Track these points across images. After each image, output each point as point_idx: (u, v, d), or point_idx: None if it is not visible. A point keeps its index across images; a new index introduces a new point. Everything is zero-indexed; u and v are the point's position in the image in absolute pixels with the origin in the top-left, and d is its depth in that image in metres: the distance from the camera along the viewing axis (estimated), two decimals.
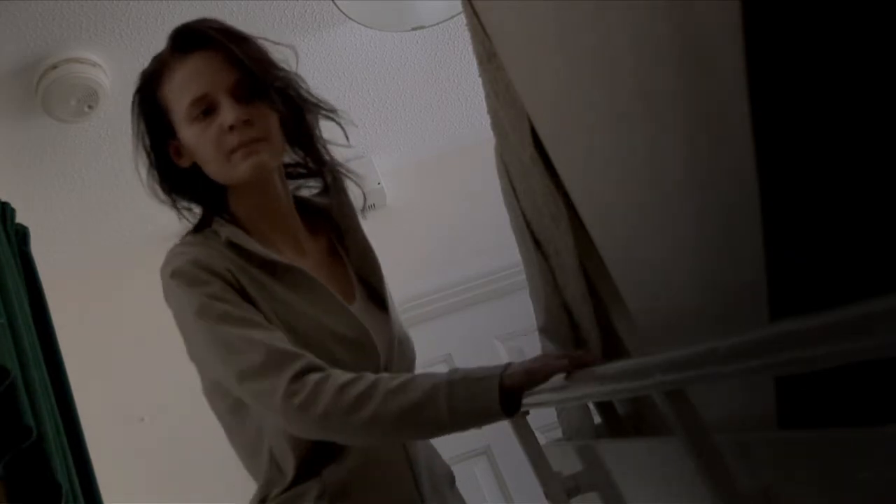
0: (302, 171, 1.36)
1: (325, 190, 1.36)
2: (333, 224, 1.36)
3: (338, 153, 1.38)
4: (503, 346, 3.15)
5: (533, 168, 1.21)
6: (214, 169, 1.23)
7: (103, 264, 3.13)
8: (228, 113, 1.18)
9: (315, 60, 2.60)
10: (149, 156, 1.28)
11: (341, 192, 1.35)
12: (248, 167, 1.20)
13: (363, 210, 1.38)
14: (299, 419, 1.07)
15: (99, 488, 2.06)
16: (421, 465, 1.26)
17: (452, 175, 3.41)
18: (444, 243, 3.31)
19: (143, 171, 1.30)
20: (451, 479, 1.39)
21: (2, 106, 2.37)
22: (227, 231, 1.22)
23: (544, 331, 1.42)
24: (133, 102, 1.29)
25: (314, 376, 1.08)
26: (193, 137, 1.22)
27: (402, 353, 1.29)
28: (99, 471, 2.10)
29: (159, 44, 1.29)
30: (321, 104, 1.32)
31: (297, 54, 1.28)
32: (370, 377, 1.08)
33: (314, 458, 1.18)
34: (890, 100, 0.61)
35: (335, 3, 2.32)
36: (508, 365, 1.11)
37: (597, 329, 1.18)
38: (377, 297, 1.32)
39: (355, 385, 1.07)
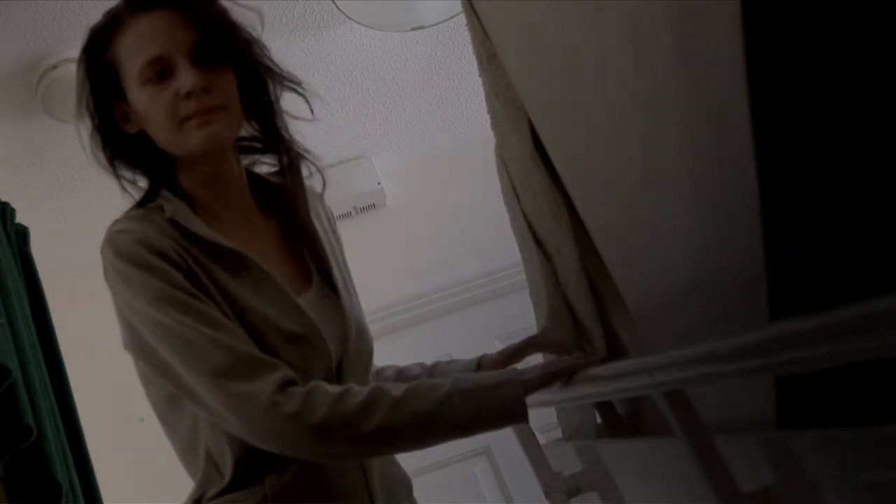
0: (256, 145, 1.25)
1: (281, 169, 1.25)
2: (289, 205, 1.25)
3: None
4: (503, 346, 3.15)
5: (533, 168, 1.21)
6: (165, 137, 1.12)
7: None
8: (186, 77, 1.08)
9: (315, 60, 2.60)
10: (92, 118, 1.17)
11: (296, 171, 1.24)
12: (201, 138, 1.09)
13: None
14: (290, 429, 0.98)
15: (99, 488, 2.06)
16: (375, 472, 1.16)
17: (452, 175, 3.41)
18: (444, 243, 3.31)
19: (85, 134, 1.19)
20: (409, 488, 1.28)
21: (2, 106, 2.37)
22: (170, 207, 1.12)
23: (546, 330, 1.42)
24: (79, 60, 1.17)
25: (299, 389, 1.00)
26: (144, 101, 1.11)
27: (358, 350, 1.18)
28: (99, 471, 2.10)
29: None
30: (285, 74, 1.21)
31: (263, 19, 1.18)
32: (359, 388, 1.02)
33: (255, 460, 1.07)
34: (889, 100, 0.60)
35: (335, 3, 2.32)
36: (518, 370, 1.09)
37: (600, 328, 1.18)
38: (332, 287, 1.21)
39: (352, 394, 1.00)
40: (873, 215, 0.65)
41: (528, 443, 1.54)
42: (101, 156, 1.19)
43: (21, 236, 2.20)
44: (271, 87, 1.21)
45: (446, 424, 1.01)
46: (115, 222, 1.14)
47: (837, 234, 0.67)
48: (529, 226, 1.34)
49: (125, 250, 1.07)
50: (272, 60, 1.20)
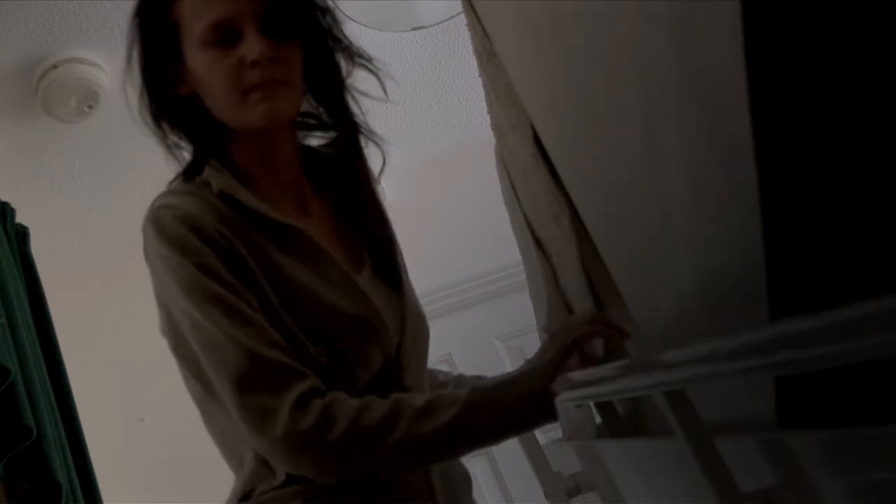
0: (311, 121, 1.16)
1: (337, 143, 1.17)
2: (342, 182, 1.17)
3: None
4: (503, 346, 3.16)
5: (533, 168, 1.21)
6: (221, 106, 1.04)
7: (103, 264, 3.13)
8: (253, 45, 0.99)
9: None
10: (143, 74, 1.09)
11: (358, 149, 1.16)
12: (262, 113, 1.01)
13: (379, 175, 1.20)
14: (308, 448, 0.91)
15: (99, 488, 2.06)
16: (436, 467, 1.09)
17: (452, 175, 3.41)
18: (444, 243, 3.31)
19: (132, 93, 1.11)
20: (470, 483, 1.21)
21: (2, 106, 2.37)
22: (221, 180, 1.03)
23: (547, 329, 1.42)
24: (136, 12, 1.09)
25: (318, 402, 0.92)
26: (204, 65, 1.02)
27: (415, 339, 1.10)
28: (99, 471, 2.10)
29: None
30: (357, 50, 1.13)
31: None
32: (380, 400, 0.95)
33: None
34: (890, 100, 0.60)
35: (335, 3, 2.32)
36: (531, 369, 1.03)
37: None
38: (388, 270, 1.12)
39: (373, 407, 0.93)
40: (874, 215, 0.65)
41: (528, 443, 1.54)
42: (148, 116, 1.10)
43: (21, 236, 2.21)
44: (342, 63, 1.13)
45: (472, 432, 0.96)
46: (160, 196, 1.06)
47: (838, 233, 0.67)
48: (529, 226, 1.34)
49: (168, 229, 0.99)
50: (345, 34, 1.12)
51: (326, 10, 1.12)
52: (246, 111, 1.02)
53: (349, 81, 1.14)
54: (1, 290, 1.90)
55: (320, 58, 1.10)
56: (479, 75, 1.39)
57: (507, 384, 0.99)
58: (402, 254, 1.20)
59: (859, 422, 0.64)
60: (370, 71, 1.14)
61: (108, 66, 2.36)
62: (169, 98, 1.09)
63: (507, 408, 0.98)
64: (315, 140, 1.19)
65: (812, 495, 0.73)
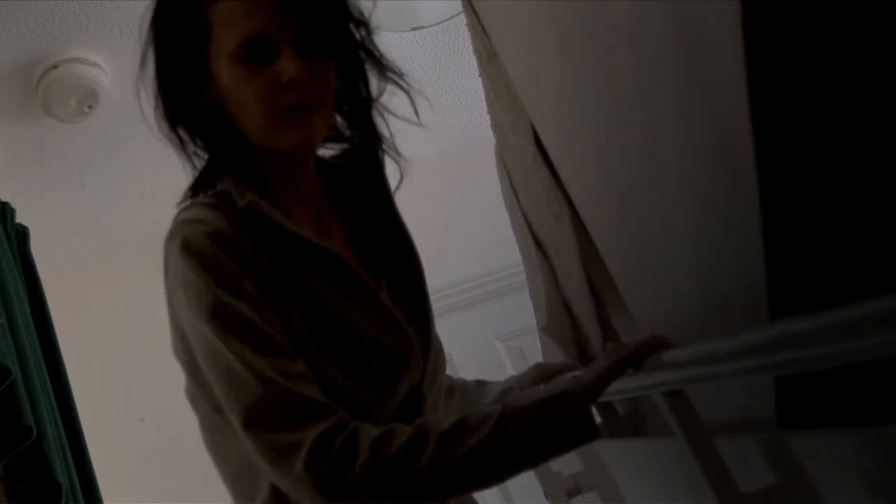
0: (331, 133, 1.09)
1: (351, 155, 1.10)
2: (360, 200, 1.10)
3: (332, 149, 1.11)
4: (503, 346, 3.15)
5: (534, 168, 1.21)
6: (252, 124, 0.97)
7: (103, 264, 3.13)
8: (290, 64, 0.94)
9: None
10: (160, 78, 1.02)
11: (379, 166, 1.10)
12: (297, 139, 0.96)
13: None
14: (332, 484, 0.85)
15: (99, 488, 2.06)
16: None
17: (452, 175, 3.41)
18: (444, 243, 3.31)
19: (145, 97, 1.04)
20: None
21: (2, 106, 2.37)
22: (248, 197, 0.96)
23: (546, 330, 1.42)
24: (157, 11, 1.02)
25: (341, 436, 0.86)
26: (234, 80, 0.96)
27: (435, 369, 1.04)
28: (99, 471, 2.10)
29: None
30: (390, 65, 1.07)
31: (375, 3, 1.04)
32: (402, 427, 0.89)
33: None
34: (889, 100, 0.60)
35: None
36: (575, 377, 0.94)
37: (598, 328, 1.18)
38: (410, 298, 1.06)
39: (397, 434, 0.87)
40: (873, 215, 0.65)
41: None
42: (164, 123, 1.03)
43: (21, 236, 2.20)
44: (374, 80, 1.07)
45: (504, 456, 0.88)
46: (184, 209, 0.98)
47: (837, 234, 0.67)
48: (529, 226, 1.34)
49: (195, 245, 0.91)
50: (377, 48, 1.06)
51: (361, 22, 1.06)
52: (280, 133, 0.97)
53: (379, 98, 1.08)
54: (1, 290, 1.90)
55: (351, 71, 1.05)
56: (479, 75, 1.39)
57: (545, 402, 0.90)
58: (425, 280, 1.12)
59: (859, 422, 0.64)
60: (400, 87, 1.07)
61: (108, 66, 2.36)
62: (188, 106, 1.02)
63: (547, 428, 0.89)
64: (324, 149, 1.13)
65: (812, 495, 0.73)
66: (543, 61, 1.09)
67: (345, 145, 1.11)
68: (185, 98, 1.01)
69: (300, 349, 0.92)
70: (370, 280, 1.01)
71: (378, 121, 1.08)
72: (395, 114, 1.08)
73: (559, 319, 1.30)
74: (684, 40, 0.72)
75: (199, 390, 0.97)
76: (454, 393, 1.27)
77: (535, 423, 0.87)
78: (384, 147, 1.09)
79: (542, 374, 1.24)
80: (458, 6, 1.64)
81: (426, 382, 1.01)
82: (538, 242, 1.32)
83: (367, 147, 1.09)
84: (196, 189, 1.02)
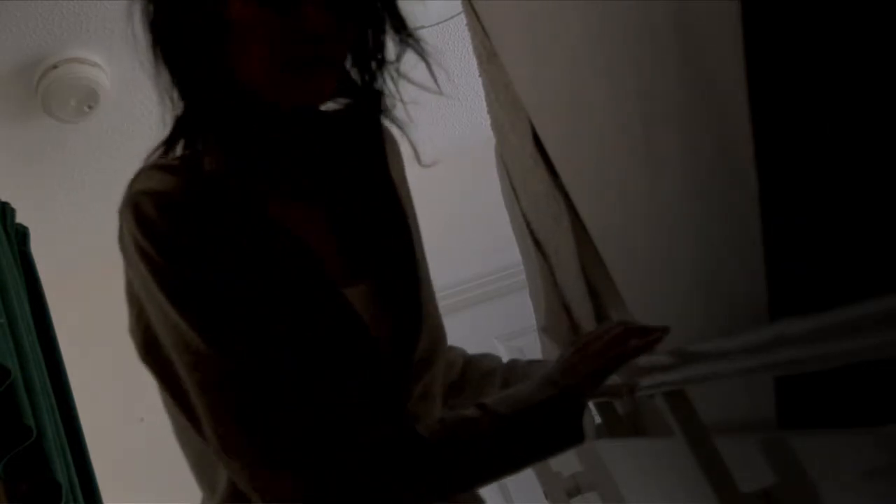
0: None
1: (350, 113, 1.00)
2: (347, 159, 1.01)
3: None
4: (503, 346, 3.15)
5: (534, 168, 1.21)
6: (255, 72, 0.87)
7: (103, 264, 3.14)
8: (318, 17, 0.85)
9: None
10: None
11: (377, 124, 1.02)
12: (301, 96, 0.88)
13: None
14: (285, 483, 0.79)
15: (99, 488, 2.06)
16: None
17: (452, 175, 3.41)
18: (444, 243, 3.31)
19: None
20: None
21: (2, 106, 2.37)
22: (211, 162, 0.89)
23: (545, 330, 1.42)
24: None
25: (301, 430, 0.81)
26: (249, 17, 0.86)
27: (425, 365, 0.96)
28: (99, 471, 2.10)
29: None
30: (410, 30, 0.98)
31: None
32: (374, 429, 0.83)
33: None
34: (889, 100, 0.60)
35: None
36: (559, 370, 0.88)
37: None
38: (399, 280, 0.97)
39: (375, 437, 0.82)
40: (874, 215, 0.65)
41: None
42: (148, 33, 0.90)
43: (21, 236, 2.21)
44: (393, 44, 0.99)
45: (483, 468, 0.85)
46: (140, 174, 0.90)
47: (838, 233, 0.67)
48: (528, 226, 1.34)
49: (148, 216, 0.85)
50: (399, 10, 0.98)
51: None
52: (285, 87, 0.88)
53: (396, 62, 1.00)
54: (1, 290, 1.90)
55: (371, 28, 0.96)
56: (479, 75, 1.39)
57: (533, 409, 0.85)
58: (424, 259, 1.04)
59: (859, 422, 0.64)
60: (417, 53, 0.99)
61: (108, 66, 2.36)
62: (178, 28, 0.89)
63: (529, 433, 0.85)
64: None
65: (812, 495, 0.73)
66: (543, 61, 1.09)
67: (347, 101, 1.01)
68: (174, 17, 0.90)
69: (262, 332, 0.86)
70: (337, 260, 0.93)
71: (389, 84, 1.00)
72: (410, 80, 1.00)
73: (558, 319, 1.30)
74: (684, 40, 0.72)
75: (158, 370, 0.92)
76: (493, 377, 1.20)
77: (513, 436, 0.84)
78: (382, 102, 1.00)
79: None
80: (458, 6, 1.65)
81: (410, 378, 0.94)
82: (537, 242, 1.32)
83: (371, 107, 1.00)
84: (169, 144, 0.92)
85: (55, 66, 2.28)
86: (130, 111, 2.51)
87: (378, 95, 1.00)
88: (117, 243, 0.93)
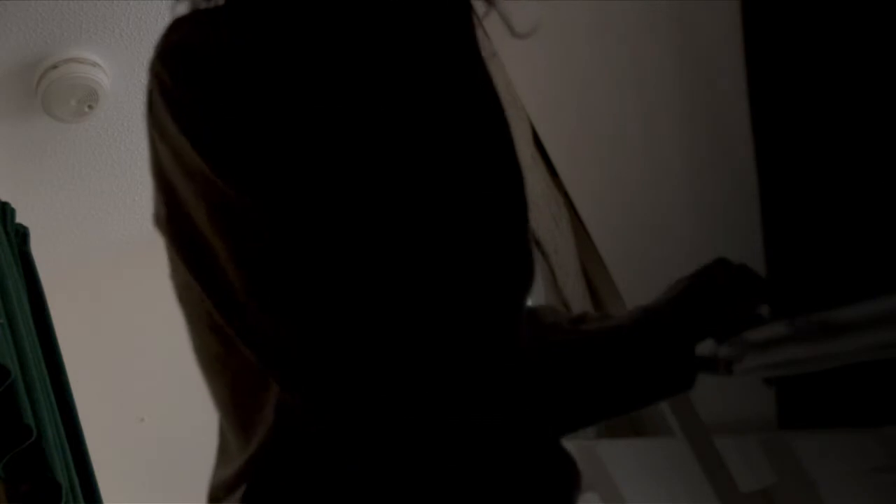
0: None
1: None
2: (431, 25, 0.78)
3: None
4: None
5: (533, 168, 1.21)
6: None
7: (103, 264, 3.13)
8: None
9: None
10: None
11: None
12: None
13: None
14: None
15: (99, 488, 2.06)
16: None
17: None
18: None
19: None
20: None
21: (2, 106, 2.37)
22: (255, 6, 0.70)
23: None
24: None
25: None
26: None
27: None
28: (99, 471, 2.10)
29: None
30: None
31: None
32: None
33: None
34: (889, 100, 0.60)
35: None
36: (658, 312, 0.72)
37: None
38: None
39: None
40: (873, 216, 0.65)
41: None
42: None
43: (21, 236, 2.21)
44: None
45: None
46: (173, 24, 0.70)
47: (837, 233, 0.66)
48: None
49: (182, 71, 0.66)
50: None
51: None
52: None
53: None
54: (1, 290, 1.90)
55: None
56: None
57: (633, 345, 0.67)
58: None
59: (859, 422, 0.64)
60: None
61: (108, 66, 2.36)
62: None
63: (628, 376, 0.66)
64: None
65: (812, 495, 0.73)
66: (543, 61, 1.09)
67: None
68: None
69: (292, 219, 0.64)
70: None
71: None
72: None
73: None
74: (684, 40, 0.72)
75: (186, 257, 0.70)
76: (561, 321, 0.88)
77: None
78: None
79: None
80: None
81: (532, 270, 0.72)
82: (537, 242, 1.32)
83: None
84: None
85: (55, 66, 2.28)
86: (130, 111, 2.51)
87: None
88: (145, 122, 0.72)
